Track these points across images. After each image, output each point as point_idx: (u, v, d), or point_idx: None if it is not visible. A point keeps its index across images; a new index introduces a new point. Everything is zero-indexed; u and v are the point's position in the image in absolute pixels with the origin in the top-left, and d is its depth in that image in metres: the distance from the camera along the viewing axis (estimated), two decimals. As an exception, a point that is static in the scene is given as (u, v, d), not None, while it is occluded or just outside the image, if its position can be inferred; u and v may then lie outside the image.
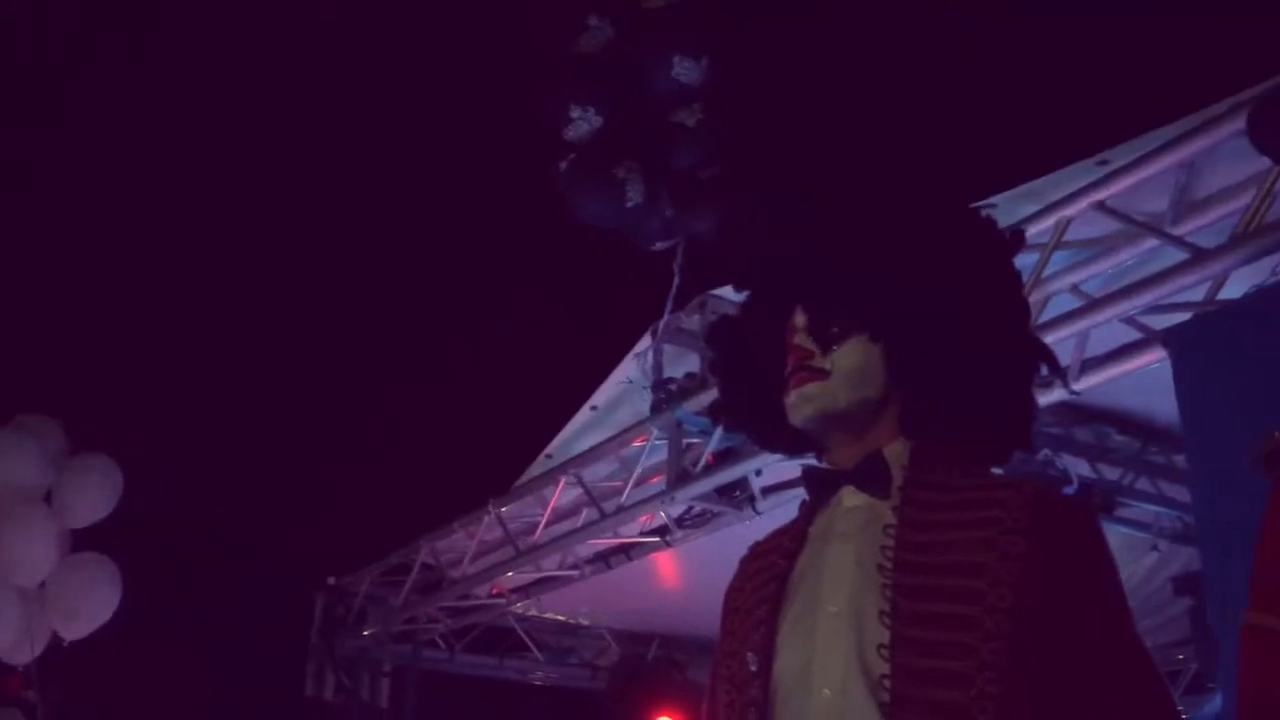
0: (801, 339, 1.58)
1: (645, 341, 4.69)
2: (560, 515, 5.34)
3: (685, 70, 3.99)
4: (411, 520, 6.03)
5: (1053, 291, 3.39)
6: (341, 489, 6.84)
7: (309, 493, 6.78)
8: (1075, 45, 4.43)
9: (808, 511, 1.65)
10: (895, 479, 1.55)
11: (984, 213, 1.70)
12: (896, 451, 1.57)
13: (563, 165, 4.14)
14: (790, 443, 1.73)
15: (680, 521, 4.92)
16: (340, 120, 6.36)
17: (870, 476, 1.56)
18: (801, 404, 1.57)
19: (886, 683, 1.39)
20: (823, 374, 1.56)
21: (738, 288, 1.83)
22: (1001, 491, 1.50)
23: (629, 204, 4.02)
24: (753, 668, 1.54)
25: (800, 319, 1.60)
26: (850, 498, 1.58)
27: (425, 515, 5.91)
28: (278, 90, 6.17)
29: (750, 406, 1.74)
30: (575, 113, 4.04)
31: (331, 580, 6.59)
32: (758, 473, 4.40)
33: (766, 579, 1.61)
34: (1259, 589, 1.08)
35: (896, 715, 1.37)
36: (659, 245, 4.24)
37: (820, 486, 1.64)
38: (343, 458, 6.91)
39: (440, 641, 6.63)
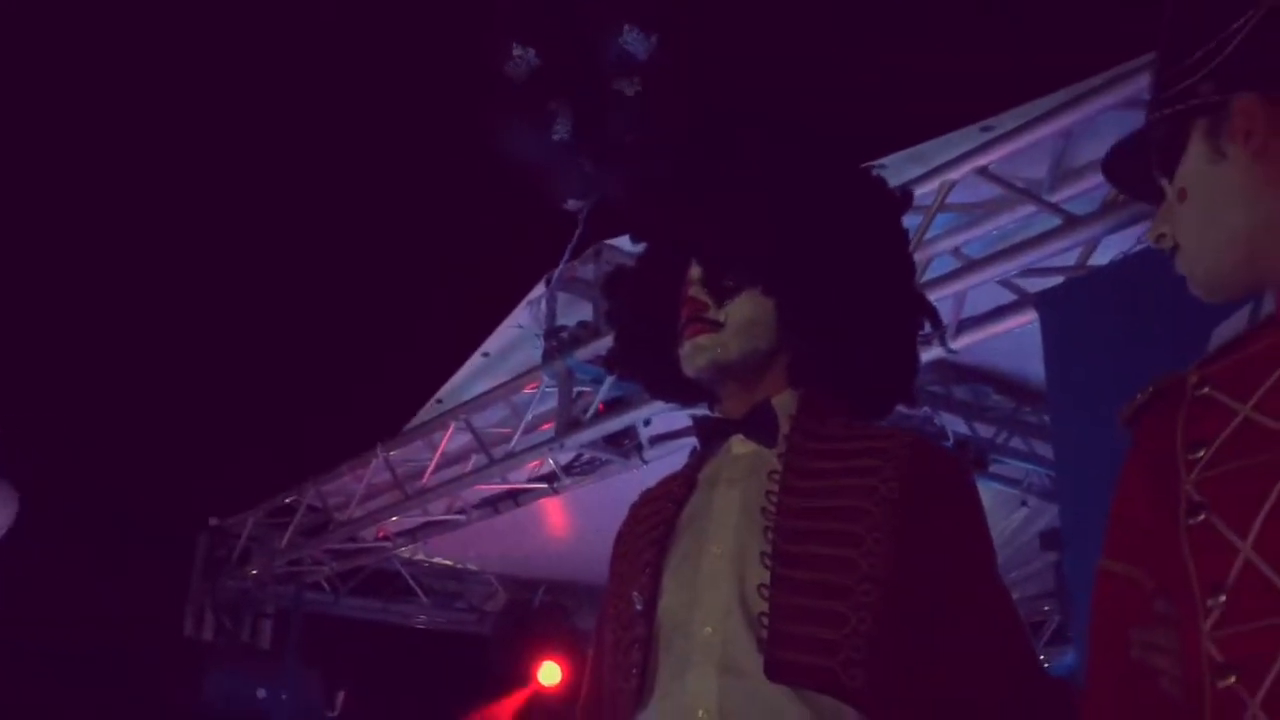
0: (696, 291, 1.62)
1: (539, 289, 4.69)
2: (449, 460, 5.35)
3: (633, 41, 4.01)
4: (298, 462, 5.98)
5: (935, 253, 3.50)
6: (227, 429, 6.72)
7: (193, 432, 6.65)
8: (966, 13, 4.54)
9: (698, 459, 1.70)
10: (782, 428, 1.60)
11: (874, 173, 1.76)
12: (784, 402, 1.63)
13: (490, 100, 4.12)
14: (682, 393, 1.78)
15: (568, 469, 4.97)
16: (221, 46, 6.16)
17: (758, 426, 1.62)
18: (695, 354, 1.61)
19: (765, 620, 1.45)
20: (716, 326, 1.60)
21: (637, 240, 1.86)
22: (882, 441, 1.56)
23: (556, 137, 4.03)
24: (638, 607, 1.58)
25: (696, 272, 1.63)
26: (739, 446, 1.63)
27: (313, 457, 5.87)
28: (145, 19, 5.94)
29: (644, 356, 1.77)
30: (517, 50, 4.03)
31: (214, 521, 6.50)
32: (646, 422, 4.47)
33: (655, 523, 1.65)
34: (1110, 539, 1.17)
35: (772, 651, 1.43)
36: (572, 204, 4.25)
37: (711, 435, 1.69)
38: (229, 398, 6.78)
39: (325, 584, 6.60)
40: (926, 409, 4.58)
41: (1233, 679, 0.96)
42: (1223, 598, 0.99)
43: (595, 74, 3.89)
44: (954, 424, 4.65)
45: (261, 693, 5.78)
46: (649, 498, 1.75)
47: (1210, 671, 0.99)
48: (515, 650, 6.48)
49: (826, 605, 1.45)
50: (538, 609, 6.80)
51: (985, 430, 4.77)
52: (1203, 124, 1.14)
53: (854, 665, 1.43)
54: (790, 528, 1.50)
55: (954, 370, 4.55)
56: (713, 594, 1.51)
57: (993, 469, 4.82)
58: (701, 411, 1.79)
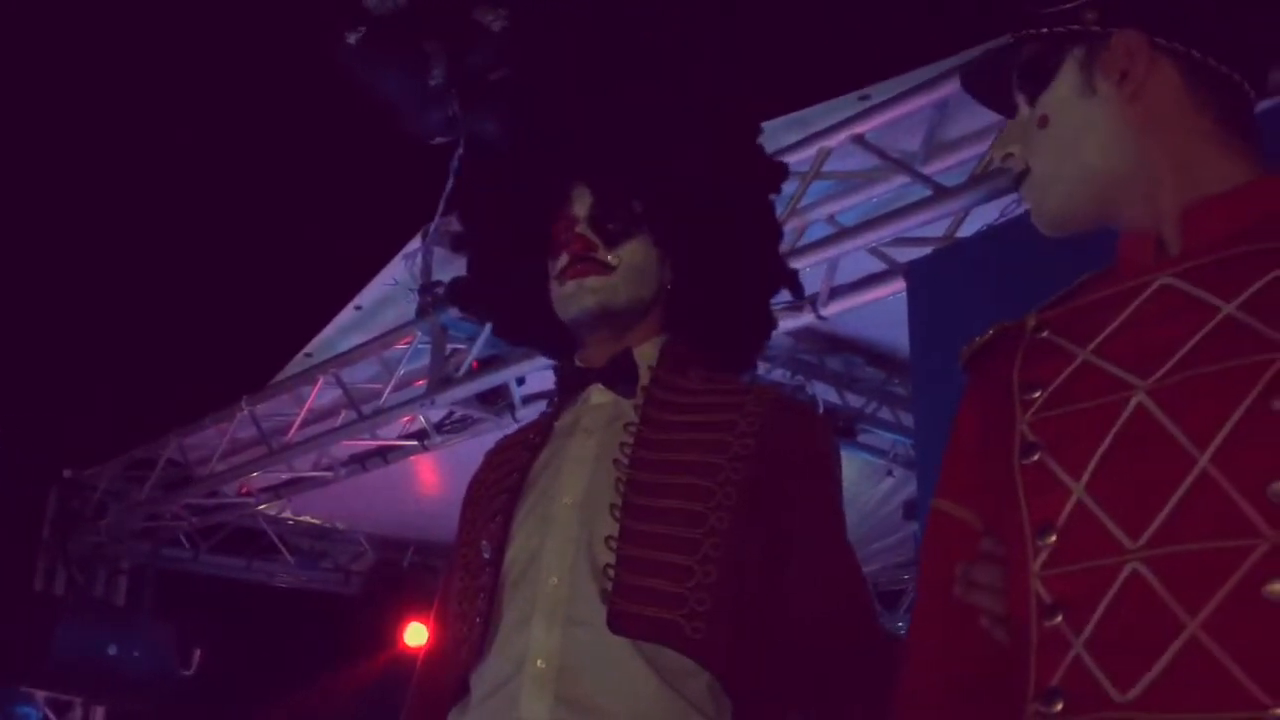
0: (584, 229, 1.57)
1: (415, 243, 4.61)
2: (318, 416, 5.23)
3: None
4: (159, 414, 5.78)
5: (810, 220, 3.52)
6: (85, 376, 6.46)
7: (47, 378, 6.37)
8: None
9: (556, 407, 1.67)
10: (642, 379, 1.59)
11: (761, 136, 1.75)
12: (647, 353, 1.61)
13: (354, 35, 3.98)
14: (541, 336, 1.75)
15: (440, 426, 4.91)
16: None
17: (618, 375, 1.60)
18: (582, 295, 1.56)
19: (610, 572, 1.44)
20: (608, 268, 1.56)
21: (513, 177, 1.78)
22: (740, 396, 1.56)
23: (431, 82, 3.91)
24: (485, 555, 1.56)
25: (580, 209, 1.59)
26: (598, 395, 1.61)
27: (174, 410, 5.68)
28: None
29: (502, 292, 1.73)
30: None
31: (67, 473, 6.26)
32: (520, 381, 4.43)
33: (508, 470, 1.63)
34: (942, 479, 1.18)
35: (615, 603, 1.42)
36: (437, 139, 4.14)
37: (570, 384, 1.66)
38: (86, 344, 6.51)
39: (184, 540, 6.43)
40: (799, 377, 4.63)
41: (1059, 618, 0.97)
42: (1053, 538, 0.99)
43: (461, 6, 3.79)
44: (826, 393, 4.71)
45: (112, 649, 5.60)
46: (503, 445, 1.73)
47: (1037, 611, 0.99)
48: (382, 611, 6.41)
49: (672, 558, 1.45)
50: (407, 569, 6.74)
51: (855, 400, 4.85)
52: (1078, 53, 1.10)
53: (697, 618, 1.42)
54: (641, 480, 1.49)
55: (827, 340, 4.61)
56: (560, 544, 1.49)
57: (861, 439, 4.91)
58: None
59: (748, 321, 1.67)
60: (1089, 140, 1.09)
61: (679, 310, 1.62)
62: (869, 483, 5.27)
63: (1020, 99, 1.16)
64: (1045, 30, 1.11)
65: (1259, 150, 1.08)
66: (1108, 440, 0.99)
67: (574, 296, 1.57)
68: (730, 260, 1.60)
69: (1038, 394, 1.06)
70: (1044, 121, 1.11)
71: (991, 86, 1.21)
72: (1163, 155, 1.06)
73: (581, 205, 1.59)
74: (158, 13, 5.75)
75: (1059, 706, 0.95)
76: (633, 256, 1.58)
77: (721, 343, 1.66)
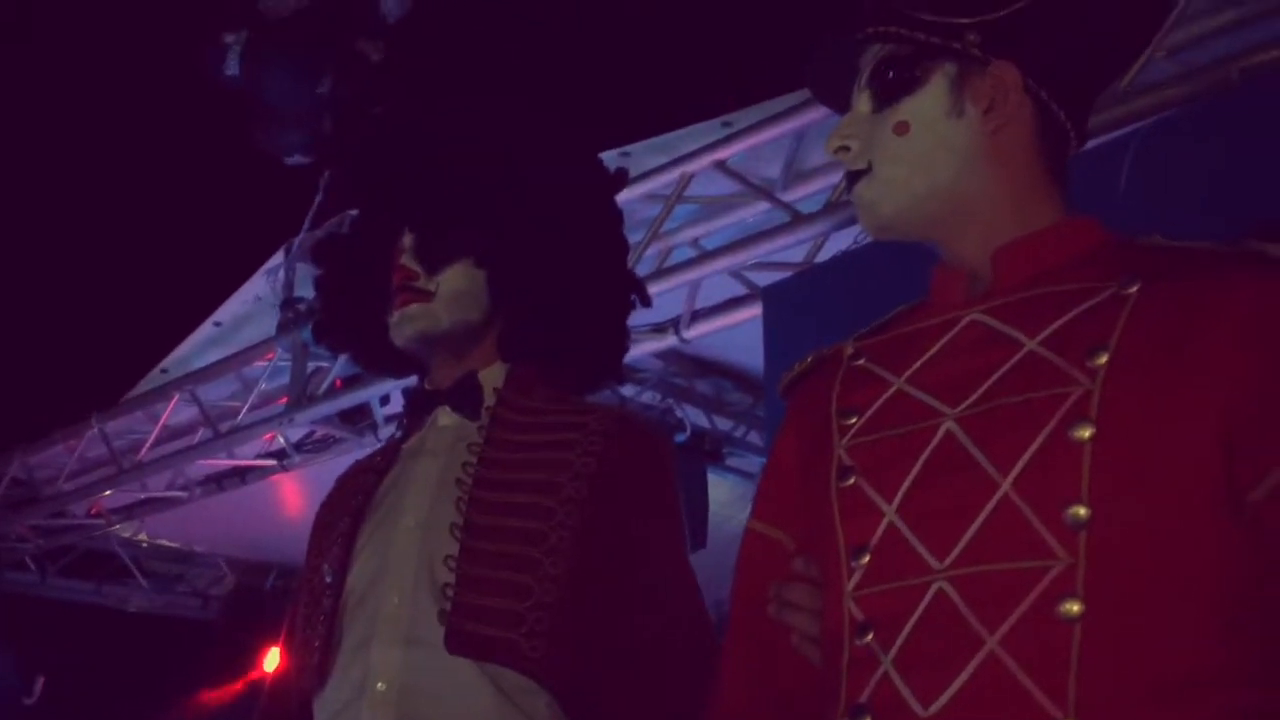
0: (407, 260, 1.60)
1: (278, 258, 4.52)
2: (174, 434, 5.08)
3: (390, 3, 3.86)
4: (3, 430, 5.53)
5: (674, 244, 3.57)
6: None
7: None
8: (721, 7, 4.65)
9: (405, 431, 1.67)
10: (487, 400, 1.60)
11: (604, 157, 1.77)
12: (492, 374, 1.62)
13: (234, 38, 3.89)
14: (391, 364, 1.75)
15: (300, 446, 4.82)
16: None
17: (463, 397, 1.61)
18: (404, 324, 1.59)
19: (449, 591, 1.44)
20: (426, 295, 1.58)
21: (355, 206, 1.81)
22: (584, 416, 1.58)
23: (319, 90, 3.85)
24: (328, 579, 1.55)
25: (408, 240, 1.61)
26: (444, 417, 1.62)
27: (20, 425, 5.45)
28: None
29: (353, 325, 1.73)
30: None
31: (-97, 491, 5.95)
32: (383, 400, 4.37)
33: (353, 494, 1.63)
34: (758, 501, 1.20)
35: (454, 622, 1.42)
36: (294, 159, 4.08)
37: (417, 406, 1.67)
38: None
39: (30, 563, 6.16)
40: (669, 400, 4.67)
41: (869, 637, 1.00)
42: (866, 559, 1.02)
43: (346, 34, 3.76)
44: (695, 416, 4.75)
45: (-53, 678, 5.33)
46: (354, 470, 1.72)
47: (850, 630, 1.02)
48: (242, 637, 6.24)
49: (513, 577, 1.45)
50: (269, 593, 6.57)
51: (724, 424, 4.90)
52: (950, 69, 1.10)
53: (536, 637, 1.43)
54: (483, 499, 1.50)
55: (697, 364, 4.66)
56: (402, 565, 1.49)
57: (729, 462, 4.96)
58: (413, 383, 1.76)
59: (590, 338, 1.68)
60: (946, 160, 1.10)
61: (513, 330, 1.63)
62: (737, 506, 5.31)
63: (865, 96, 1.15)
64: (920, 37, 1.10)
65: (1067, 195, 1.13)
66: (918, 465, 1.02)
67: (398, 325, 1.59)
68: (557, 277, 1.61)
69: (854, 419, 1.09)
70: (903, 129, 1.10)
71: (829, 74, 1.19)
72: (1004, 189, 1.10)
73: (409, 237, 1.61)
74: (12, 15, 5.54)
75: None
76: (453, 282, 1.59)
77: (564, 361, 1.67)
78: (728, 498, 5.08)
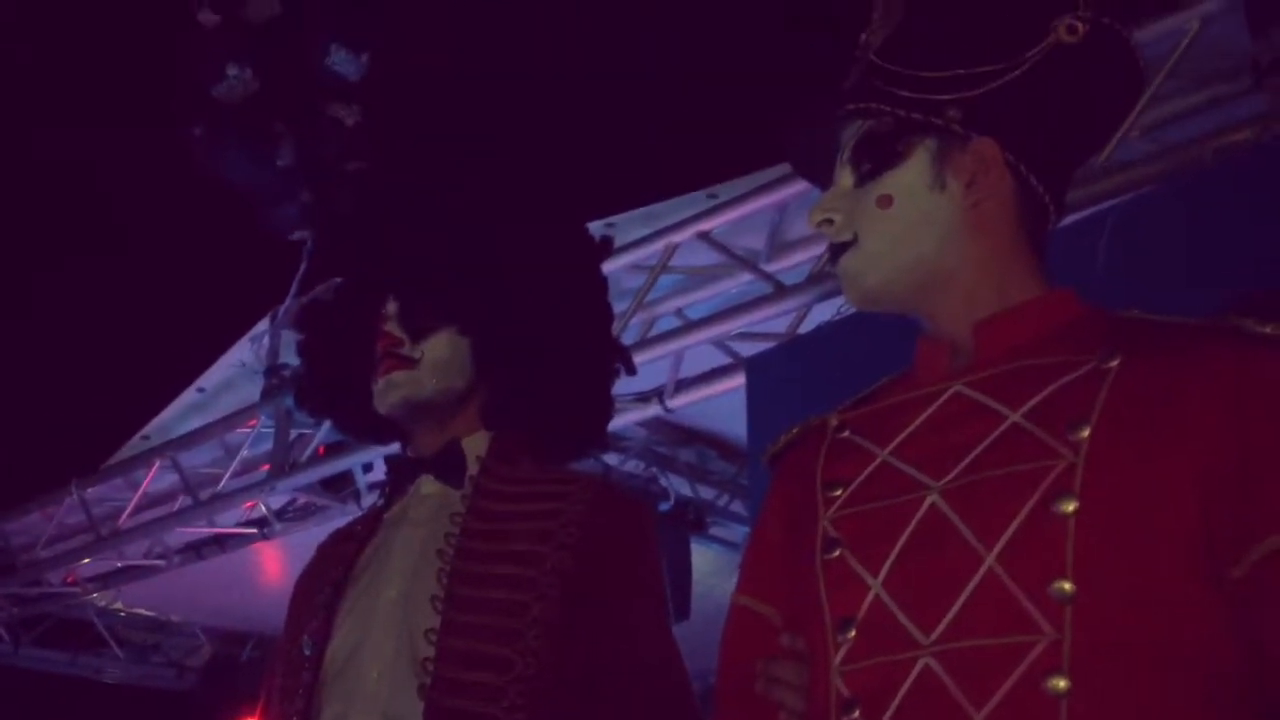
0: (392, 327, 1.60)
1: (263, 324, 4.52)
2: (153, 501, 5.04)
3: (342, 62, 3.90)
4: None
5: (658, 313, 3.58)
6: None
7: None
8: (707, 82, 4.72)
9: (387, 499, 1.66)
10: (470, 469, 1.59)
11: (588, 226, 1.78)
12: (476, 442, 1.62)
13: (200, 126, 3.93)
14: (374, 431, 1.74)
15: (282, 514, 4.77)
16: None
17: (446, 466, 1.60)
18: (388, 391, 1.58)
19: (430, 665, 1.42)
20: (411, 363, 1.58)
21: (337, 274, 1.82)
22: (568, 485, 1.57)
23: (279, 162, 3.88)
24: (307, 651, 1.53)
25: (392, 308, 1.61)
26: (427, 485, 1.61)
27: (-4, 493, 5.38)
28: None
29: (336, 393, 1.73)
30: (232, 70, 3.84)
31: (-123, 557, 5.87)
32: (366, 468, 4.35)
33: (334, 564, 1.61)
34: (744, 575, 1.20)
35: (433, 698, 1.40)
36: (297, 235, 4.11)
37: (401, 475, 1.66)
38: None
39: (3, 632, 6.06)
40: (653, 469, 4.66)
41: (856, 713, 0.99)
42: (852, 633, 1.02)
43: (313, 99, 3.80)
44: (679, 485, 4.74)
45: (-84, 751, 5.21)
46: (335, 538, 1.71)
47: (836, 706, 1.01)
48: (218, 708, 6.13)
49: (494, 650, 1.44)
50: (245, 664, 6.47)
51: (708, 492, 4.89)
52: (931, 144, 1.12)
53: (517, 710, 1.41)
54: (465, 571, 1.49)
55: (681, 433, 4.66)
56: (382, 639, 1.48)
57: (713, 530, 4.94)
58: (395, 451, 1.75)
59: (575, 407, 1.68)
60: (929, 232, 1.11)
61: (497, 398, 1.63)
62: (721, 576, 5.27)
63: (847, 170, 1.17)
64: (900, 113, 1.12)
65: (1046, 268, 1.15)
66: (904, 538, 1.02)
67: (382, 392, 1.59)
68: (542, 345, 1.62)
69: (839, 491, 1.09)
70: (886, 202, 1.12)
71: (810, 150, 1.22)
72: (985, 261, 1.11)
73: (393, 304, 1.62)
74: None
75: None
76: (437, 350, 1.59)
77: (548, 429, 1.67)
78: (711, 567, 5.05)
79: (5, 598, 5.70)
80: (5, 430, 5.92)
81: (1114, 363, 1.01)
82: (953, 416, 1.07)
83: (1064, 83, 1.11)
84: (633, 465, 4.63)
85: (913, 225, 1.12)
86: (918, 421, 1.08)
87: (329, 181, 3.82)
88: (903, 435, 1.08)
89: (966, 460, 1.03)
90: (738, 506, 4.94)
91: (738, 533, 5.00)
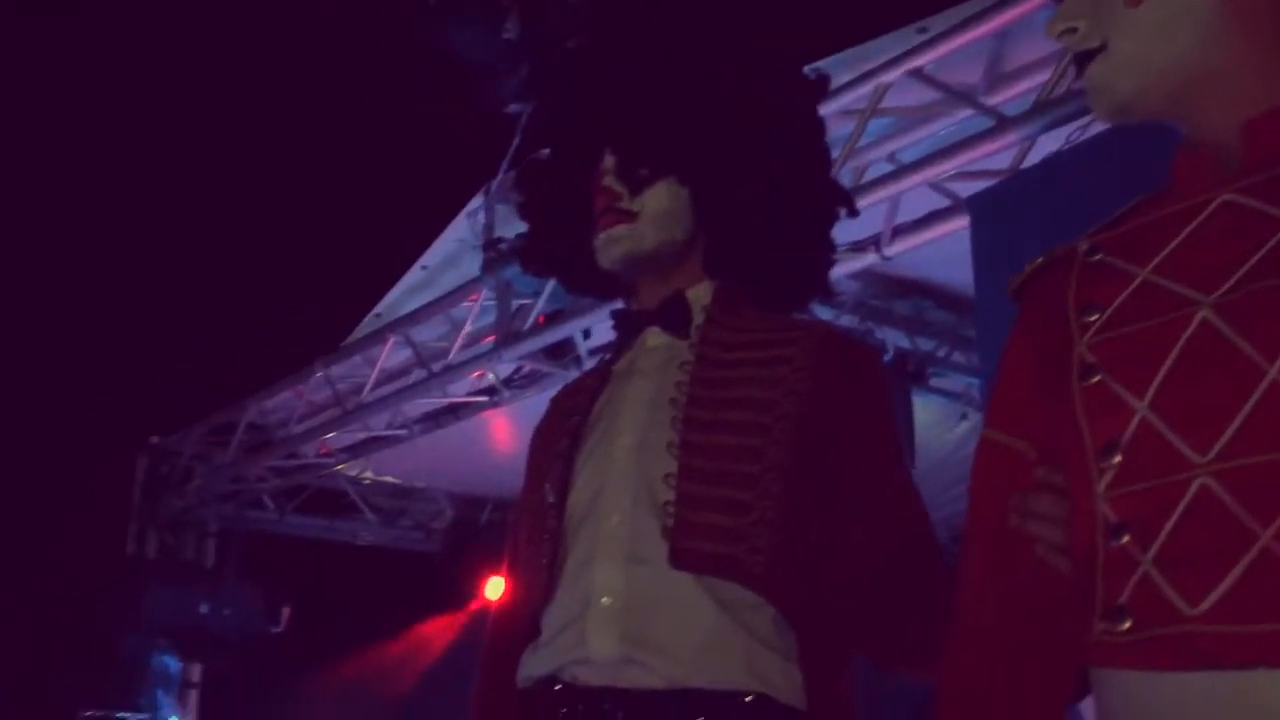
0: (610, 181, 1.59)
1: (478, 200, 4.63)
2: (390, 375, 5.31)
3: None
4: (238, 379, 5.91)
5: (869, 159, 3.47)
6: (166, 346, 6.62)
7: (132, 349, 6.54)
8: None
9: (615, 352, 1.69)
10: (696, 319, 1.59)
11: (799, 65, 1.73)
12: (699, 293, 1.61)
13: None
14: (598, 286, 1.76)
15: (509, 382, 4.95)
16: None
17: (672, 317, 1.60)
18: (610, 245, 1.59)
19: (670, 509, 1.45)
20: (631, 216, 1.58)
21: (552, 133, 1.82)
22: (795, 332, 1.55)
23: (505, 35, 3.93)
24: (550, 499, 1.57)
25: (609, 162, 1.60)
26: (653, 338, 1.62)
27: (252, 374, 5.80)
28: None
29: (559, 250, 1.75)
30: None
31: (155, 439, 6.43)
32: (586, 334, 4.45)
33: (569, 416, 1.64)
34: (993, 409, 1.15)
35: (676, 539, 1.43)
36: (512, 107, 4.16)
37: (626, 328, 1.68)
38: (168, 315, 6.66)
39: (269, 502, 6.58)
40: (868, 323, 4.59)
41: (1126, 538, 0.95)
42: (1117, 458, 0.97)
43: None
44: (895, 338, 4.65)
45: (204, 608, 5.78)
46: (567, 392, 1.75)
47: (1103, 533, 0.98)
48: (464, 567, 6.52)
49: (731, 494, 1.45)
50: (485, 526, 6.83)
51: (926, 344, 4.78)
52: None
53: (757, 552, 1.43)
54: (698, 418, 1.50)
55: (895, 284, 4.55)
56: (620, 484, 1.50)
57: (933, 383, 4.84)
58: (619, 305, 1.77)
59: (797, 252, 1.65)
60: (1187, 26, 1.01)
61: (719, 247, 1.61)
62: (943, 428, 5.20)
63: None
64: None
65: None
66: (1171, 357, 0.96)
67: (604, 247, 1.59)
68: (762, 191, 1.58)
69: (1096, 316, 1.03)
70: None
71: None
72: (1250, 55, 1.01)
73: (610, 158, 1.61)
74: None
75: (1127, 624, 0.94)
76: (656, 201, 1.58)
77: (771, 276, 1.64)
78: (933, 419, 4.97)
79: (268, 470, 6.15)
80: (254, 318, 6.35)
81: None
82: (1222, 228, 0.99)
83: None
84: (846, 320, 4.57)
85: (1168, 21, 1.02)
86: (1181, 236, 1.01)
87: (545, 53, 3.84)
88: (1165, 252, 1.01)
89: (1241, 271, 0.95)
90: (958, 356, 4.82)
91: (959, 383, 4.89)
